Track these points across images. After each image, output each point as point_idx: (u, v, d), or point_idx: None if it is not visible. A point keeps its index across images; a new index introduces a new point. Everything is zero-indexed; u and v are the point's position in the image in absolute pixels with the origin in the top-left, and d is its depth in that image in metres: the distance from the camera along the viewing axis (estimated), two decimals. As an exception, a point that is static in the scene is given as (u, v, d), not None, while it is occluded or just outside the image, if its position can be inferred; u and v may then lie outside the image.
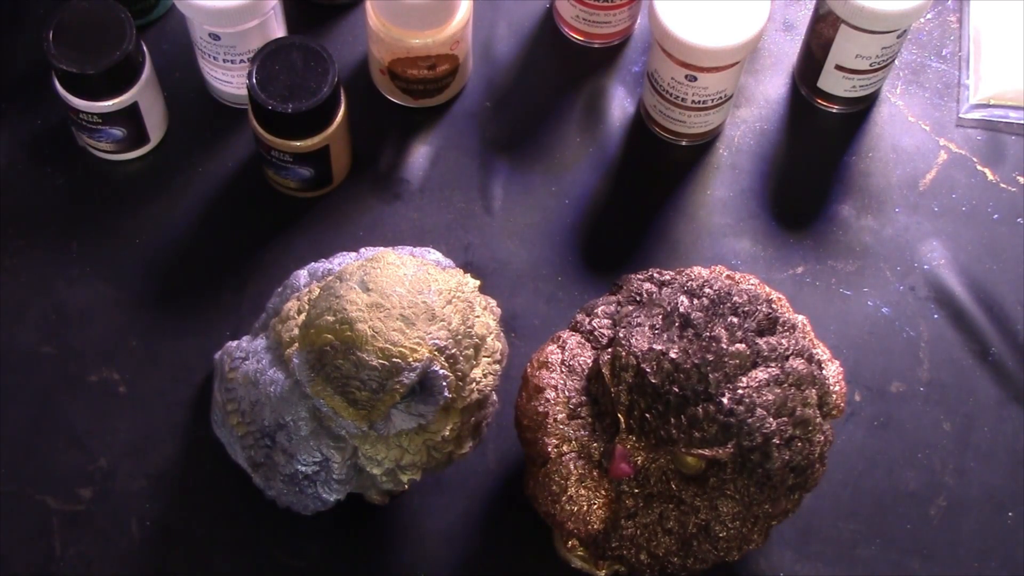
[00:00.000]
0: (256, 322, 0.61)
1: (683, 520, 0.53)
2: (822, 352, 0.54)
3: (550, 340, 0.57)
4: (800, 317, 0.55)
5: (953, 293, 0.69)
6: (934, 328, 0.68)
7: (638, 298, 0.55)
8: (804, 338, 0.53)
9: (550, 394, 0.54)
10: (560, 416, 0.54)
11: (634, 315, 0.53)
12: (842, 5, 0.66)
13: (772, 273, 0.69)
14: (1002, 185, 0.71)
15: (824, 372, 0.53)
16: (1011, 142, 0.72)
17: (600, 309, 0.56)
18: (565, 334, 0.56)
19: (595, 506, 0.53)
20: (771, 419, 0.50)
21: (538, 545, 0.63)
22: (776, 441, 0.51)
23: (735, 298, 0.52)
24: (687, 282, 0.53)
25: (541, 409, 0.54)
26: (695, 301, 0.52)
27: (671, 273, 0.56)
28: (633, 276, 0.57)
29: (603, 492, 0.53)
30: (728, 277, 0.55)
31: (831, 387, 0.53)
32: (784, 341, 0.52)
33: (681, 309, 0.52)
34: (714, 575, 0.58)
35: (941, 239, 0.70)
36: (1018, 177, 0.72)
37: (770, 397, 0.51)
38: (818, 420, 0.52)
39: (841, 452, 0.64)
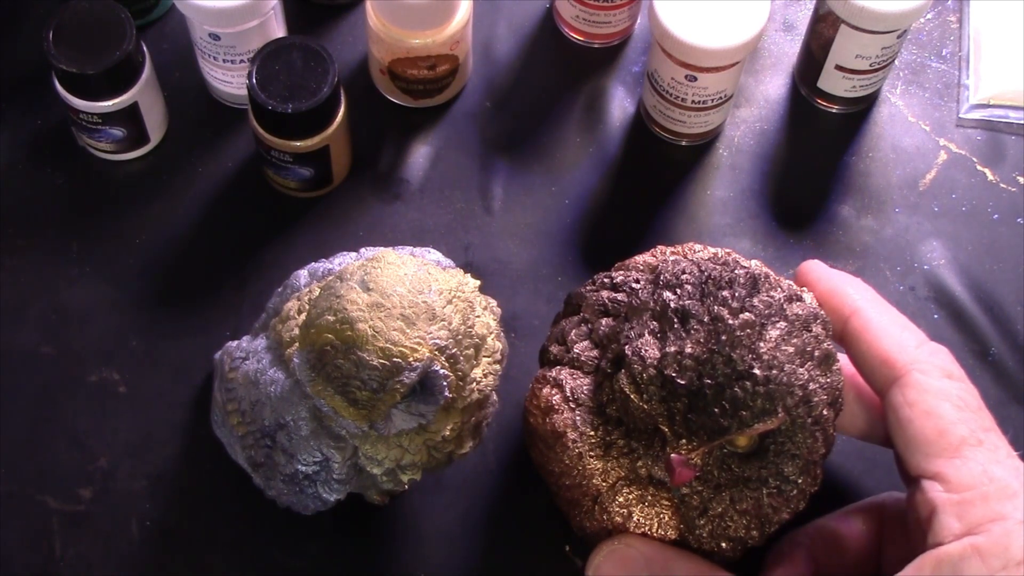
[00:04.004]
0: (256, 322, 0.61)
1: (756, 496, 0.53)
2: (796, 287, 0.54)
3: (536, 385, 0.56)
4: (754, 262, 0.55)
5: (953, 293, 0.69)
6: (934, 328, 0.68)
7: (603, 309, 0.55)
8: (782, 281, 0.53)
9: (572, 435, 0.54)
10: (592, 453, 0.54)
11: (626, 330, 0.53)
12: (842, 5, 0.66)
13: (772, 273, 0.69)
14: (1002, 185, 0.71)
15: (811, 302, 0.54)
16: (1011, 142, 0.72)
17: (573, 334, 0.56)
18: (551, 372, 0.55)
19: (664, 519, 0.53)
20: (801, 369, 0.51)
21: (539, 545, 0.63)
22: (812, 387, 0.51)
23: (712, 273, 0.52)
24: (659, 278, 0.53)
25: (572, 454, 0.54)
26: (679, 291, 0.52)
27: (617, 274, 0.56)
28: (583, 290, 0.57)
29: (665, 502, 0.53)
30: (681, 256, 0.55)
31: (823, 314, 0.54)
32: (775, 293, 0.52)
33: (673, 305, 0.52)
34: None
35: (941, 239, 0.70)
36: (1018, 177, 0.72)
37: (791, 349, 0.51)
38: (833, 348, 0.53)
39: (841, 453, 0.64)
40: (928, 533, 0.50)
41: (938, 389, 0.52)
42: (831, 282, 0.56)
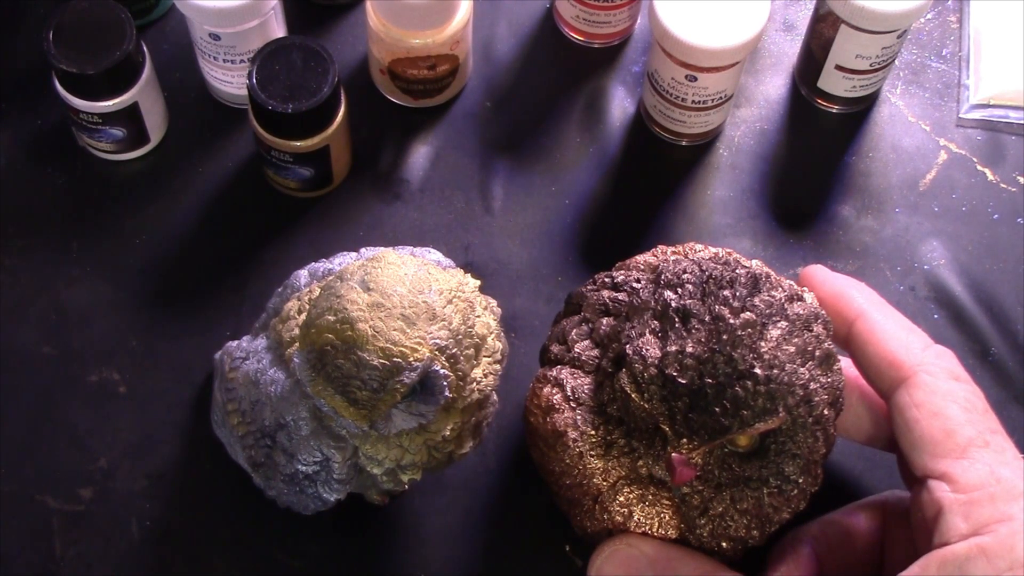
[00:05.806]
0: (256, 322, 0.61)
1: (757, 496, 0.53)
2: (796, 286, 0.54)
3: (537, 384, 0.56)
4: (755, 262, 0.55)
5: (953, 293, 0.69)
6: (934, 328, 0.68)
7: (604, 309, 0.55)
8: (783, 281, 0.53)
9: (572, 434, 0.54)
10: (594, 453, 0.54)
11: (627, 329, 0.53)
12: (842, 5, 0.66)
13: (772, 273, 0.69)
14: (1002, 185, 0.71)
15: (812, 302, 0.54)
16: (1011, 142, 0.72)
17: (574, 333, 0.56)
18: (552, 371, 0.55)
19: (665, 518, 0.53)
20: (802, 369, 0.51)
21: (539, 545, 0.63)
22: (813, 386, 0.51)
23: (713, 273, 0.52)
24: (660, 277, 0.53)
25: (573, 453, 0.54)
26: (680, 291, 0.52)
27: (618, 273, 0.56)
28: (583, 290, 0.57)
29: (666, 502, 0.53)
30: (682, 255, 0.55)
31: (824, 314, 0.54)
32: (776, 293, 0.52)
33: (674, 305, 0.52)
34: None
35: (941, 239, 0.70)
36: (1018, 177, 0.72)
37: (792, 349, 0.51)
38: (834, 348, 0.53)
39: (841, 453, 0.64)
40: (934, 533, 0.50)
41: (945, 391, 0.52)
42: (835, 286, 0.57)
